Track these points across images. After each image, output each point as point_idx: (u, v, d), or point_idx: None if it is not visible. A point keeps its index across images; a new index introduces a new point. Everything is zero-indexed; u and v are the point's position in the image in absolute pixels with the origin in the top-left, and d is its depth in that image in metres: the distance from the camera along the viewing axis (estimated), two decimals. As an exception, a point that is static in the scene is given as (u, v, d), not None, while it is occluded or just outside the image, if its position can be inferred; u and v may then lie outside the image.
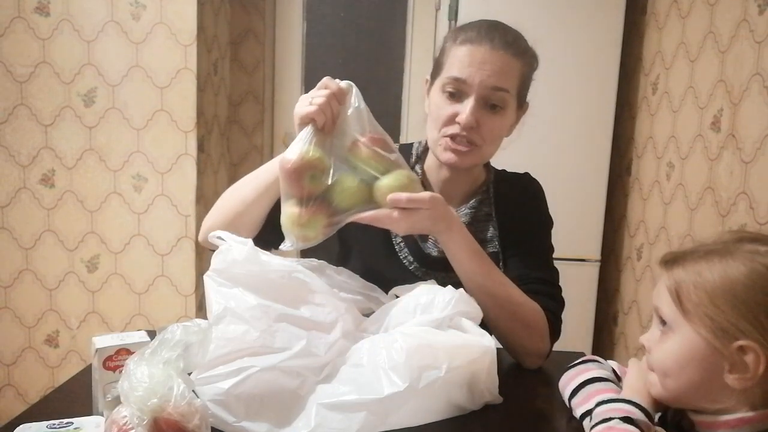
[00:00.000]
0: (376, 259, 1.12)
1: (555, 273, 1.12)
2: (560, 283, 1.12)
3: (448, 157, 1.04)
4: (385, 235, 1.11)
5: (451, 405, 0.82)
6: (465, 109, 1.01)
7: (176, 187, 2.21)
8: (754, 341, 0.63)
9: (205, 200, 2.29)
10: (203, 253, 2.30)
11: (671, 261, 0.71)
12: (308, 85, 2.74)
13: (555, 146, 2.29)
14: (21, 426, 0.67)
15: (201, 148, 2.24)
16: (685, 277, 0.68)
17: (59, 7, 2.13)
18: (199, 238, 1.08)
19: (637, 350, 2.26)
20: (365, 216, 0.91)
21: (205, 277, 0.84)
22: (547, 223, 1.17)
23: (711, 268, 0.67)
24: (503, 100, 1.03)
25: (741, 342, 0.64)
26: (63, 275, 2.27)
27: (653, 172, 2.19)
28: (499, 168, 1.21)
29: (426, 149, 1.15)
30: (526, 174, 1.21)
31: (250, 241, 0.86)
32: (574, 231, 2.30)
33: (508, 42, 1.02)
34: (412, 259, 1.10)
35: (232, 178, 1.08)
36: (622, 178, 2.46)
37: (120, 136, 2.19)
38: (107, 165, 2.20)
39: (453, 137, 1.03)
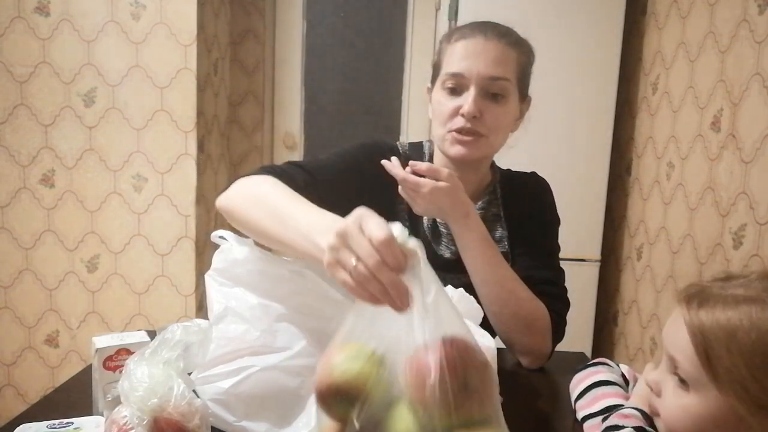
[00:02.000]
0: None
1: (561, 274, 1.11)
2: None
3: (456, 150, 1.04)
4: None
5: (451, 405, 0.81)
6: (467, 100, 1.01)
7: (176, 187, 2.21)
8: None
9: (205, 200, 2.29)
10: (203, 253, 2.30)
11: (694, 297, 0.60)
12: (308, 85, 2.74)
13: (555, 146, 2.29)
14: (21, 426, 0.67)
15: (201, 148, 2.24)
16: (716, 332, 0.56)
17: (59, 7, 2.13)
18: (217, 203, 0.93)
19: (636, 350, 2.26)
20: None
21: (205, 276, 0.84)
22: (555, 222, 1.17)
23: (746, 325, 0.55)
24: (504, 88, 1.03)
25: None
26: (63, 275, 2.27)
27: (653, 172, 2.19)
28: (504, 168, 1.21)
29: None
30: (533, 173, 1.20)
31: (251, 241, 0.86)
32: (574, 231, 2.29)
33: (501, 33, 1.04)
34: None
35: (232, 178, 1.04)
36: (622, 178, 2.46)
37: (120, 136, 2.19)
38: (107, 165, 2.20)
39: (459, 131, 1.03)
